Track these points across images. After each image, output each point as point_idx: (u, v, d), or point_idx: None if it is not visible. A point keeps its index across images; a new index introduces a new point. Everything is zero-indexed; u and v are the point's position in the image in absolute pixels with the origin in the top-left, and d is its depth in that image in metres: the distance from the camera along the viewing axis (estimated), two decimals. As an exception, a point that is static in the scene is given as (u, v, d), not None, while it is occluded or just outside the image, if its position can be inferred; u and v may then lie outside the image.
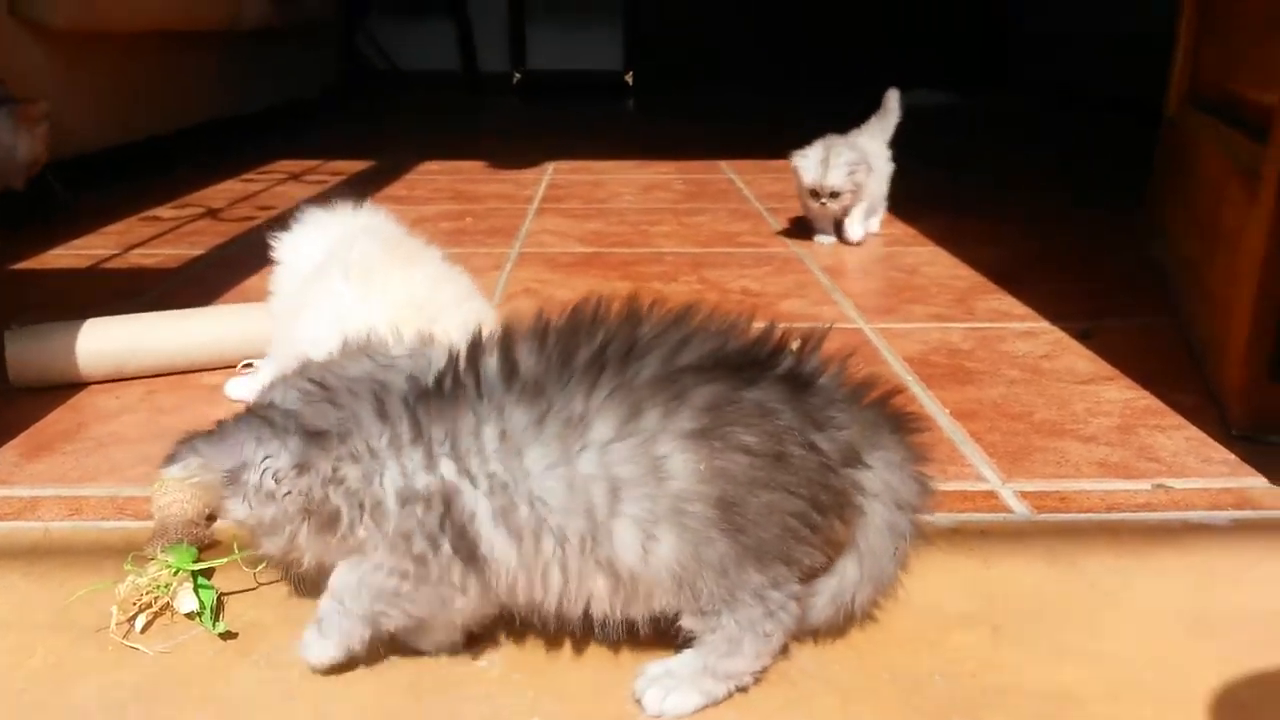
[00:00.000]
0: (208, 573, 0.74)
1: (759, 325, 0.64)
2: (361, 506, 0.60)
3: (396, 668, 0.67)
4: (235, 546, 0.76)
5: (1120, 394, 1.15)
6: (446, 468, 0.59)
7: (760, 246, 1.91)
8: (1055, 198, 2.47)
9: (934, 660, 0.67)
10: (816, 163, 1.81)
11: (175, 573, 0.72)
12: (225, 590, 0.75)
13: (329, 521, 0.60)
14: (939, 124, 4.55)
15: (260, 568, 0.76)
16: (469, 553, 0.59)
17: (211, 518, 0.85)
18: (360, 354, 0.64)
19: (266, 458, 0.60)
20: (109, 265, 1.75)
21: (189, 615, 0.71)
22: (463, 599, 0.61)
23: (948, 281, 1.65)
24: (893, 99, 2.04)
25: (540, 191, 2.53)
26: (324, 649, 0.64)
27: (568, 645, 0.68)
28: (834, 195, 1.81)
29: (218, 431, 0.61)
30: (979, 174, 2.92)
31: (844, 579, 0.66)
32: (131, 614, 0.71)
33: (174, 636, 0.70)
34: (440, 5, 5.90)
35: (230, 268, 1.70)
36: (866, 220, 1.95)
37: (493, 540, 0.59)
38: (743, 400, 0.58)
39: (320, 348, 0.68)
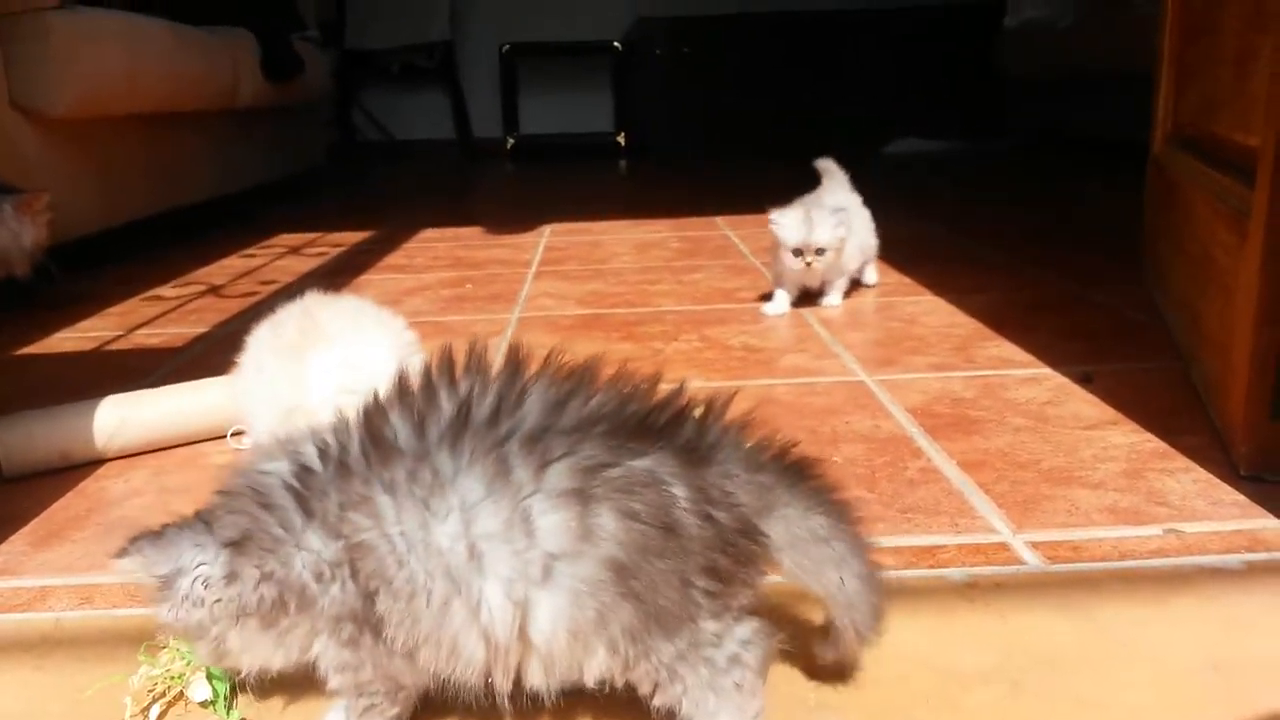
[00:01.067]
0: None
1: (663, 388, 0.63)
2: (295, 593, 0.60)
3: (414, 750, 0.66)
4: None
5: (1126, 438, 1.15)
6: (348, 530, 0.58)
7: (759, 302, 1.92)
8: (1049, 241, 2.49)
9: (955, 719, 0.66)
10: (799, 220, 1.75)
11: (188, 662, 0.72)
12: (239, 678, 0.74)
13: (272, 615, 0.61)
14: (930, 172, 4.61)
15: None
16: (375, 622, 0.59)
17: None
18: (275, 450, 0.64)
19: (200, 564, 0.61)
20: (114, 346, 1.76)
21: (203, 704, 0.71)
22: (410, 674, 0.62)
23: (946, 330, 1.66)
24: (826, 164, 2.07)
25: (538, 255, 2.56)
26: None
27: (585, 720, 0.67)
28: (819, 252, 1.75)
29: (162, 535, 0.62)
30: (971, 220, 2.95)
31: (834, 620, 0.66)
32: (146, 704, 0.71)
33: (189, 726, 0.69)
34: (433, 77, 6.01)
35: (235, 344, 1.71)
36: (862, 272, 1.96)
37: (388, 605, 0.58)
38: (631, 468, 0.57)
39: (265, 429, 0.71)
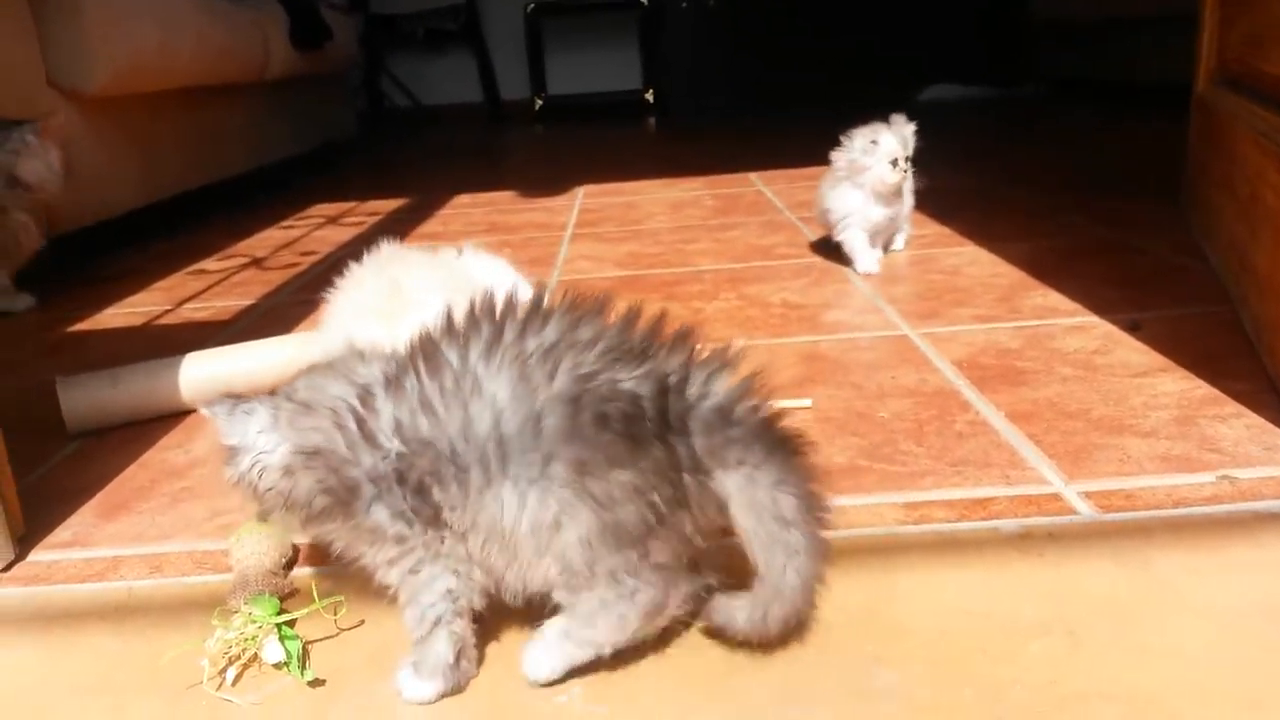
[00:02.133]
0: (291, 622, 0.76)
1: (664, 326, 0.67)
2: (344, 503, 0.66)
3: (480, 707, 0.68)
4: (315, 595, 0.78)
5: (1176, 385, 1.14)
6: (395, 444, 0.65)
7: (797, 258, 1.92)
8: (1088, 187, 2.45)
9: (1013, 670, 0.67)
10: (885, 130, 1.73)
11: (260, 625, 0.74)
12: (309, 638, 0.77)
13: (319, 517, 0.68)
14: (962, 119, 4.54)
15: (341, 614, 0.78)
16: (433, 516, 0.66)
17: (289, 565, 0.88)
18: (331, 369, 0.71)
19: (261, 452, 0.68)
20: (163, 321, 1.79)
21: (277, 665, 0.73)
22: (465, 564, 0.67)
23: (989, 281, 1.64)
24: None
25: (573, 217, 2.56)
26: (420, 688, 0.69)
27: (646, 671, 0.69)
28: (909, 160, 1.73)
29: (236, 408, 0.69)
30: (1008, 167, 2.90)
31: (755, 597, 0.67)
32: (222, 667, 0.73)
33: (263, 687, 0.72)
34: (458, 40, 5.98)
35: (281, 315, 1.74)
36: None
37: (441, 500, 0.65)
38: (614, 379, 0.62)
39: None
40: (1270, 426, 1.01)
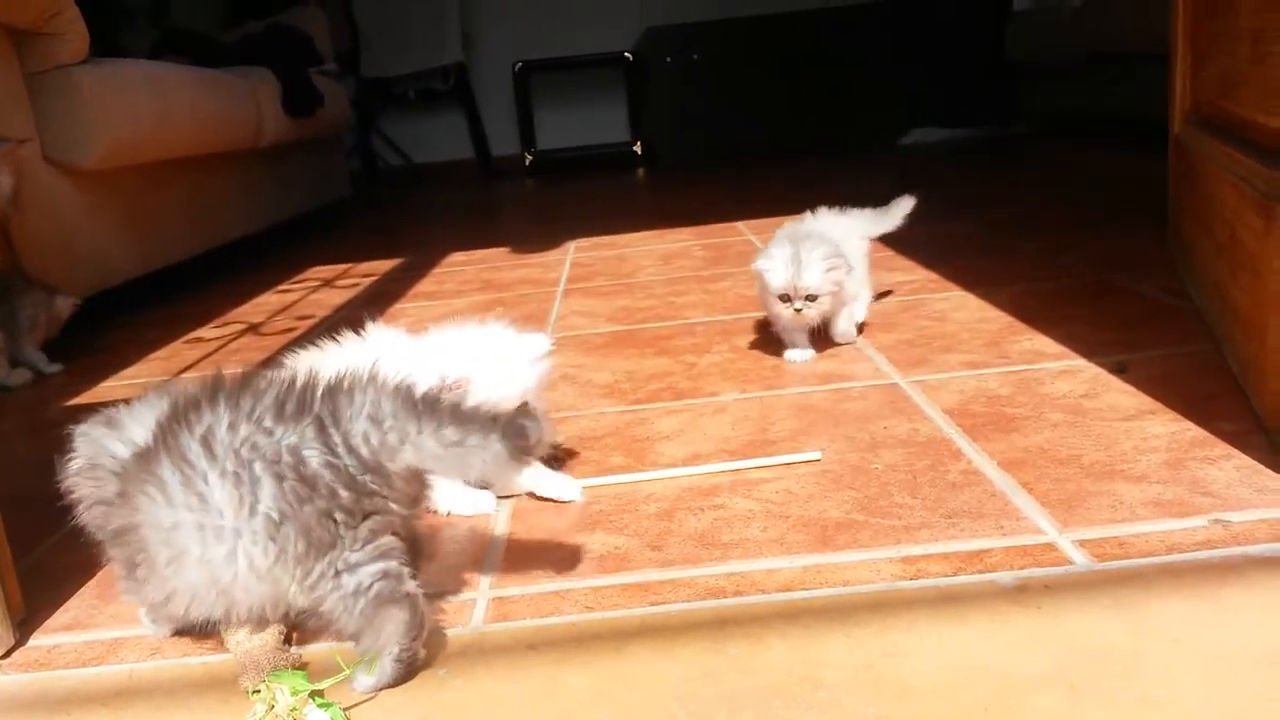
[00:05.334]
0: (319, 692, 0.78)
1: (308, 378, 0.82)
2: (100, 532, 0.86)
3: None
4: (342, 663, 0.79)
5: (1165, 427, 1.15)
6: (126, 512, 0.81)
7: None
8: (1073, 228, 2.48)
9: (1014, 727, 0.67)
10: (784, 261, 1.49)
11: (296, 693, 0.75)
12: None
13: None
14: (947, 162, 4.60)
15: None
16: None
17: (288, 640, 0.88)
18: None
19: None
20: (159, 393, 1.80)
21: (320, 732, 0.74)
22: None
23: (977, 326, 1.66)
24: (903, 206, 1.79)
25: (565, 272, 2.58)
26: None
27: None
28: (810, 299, 1.50)
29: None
30: (993, 210, 2.94)
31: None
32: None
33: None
34: (449, 99, 6.07)
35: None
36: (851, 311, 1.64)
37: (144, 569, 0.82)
38: (278, 443, 0.78)
39: None
40: (1260, 467, 1.02)
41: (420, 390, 0.82)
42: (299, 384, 0.82)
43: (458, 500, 1.13)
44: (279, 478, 0.77)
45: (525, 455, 0.79)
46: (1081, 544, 0.91)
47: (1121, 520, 0.94)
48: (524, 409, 0.79)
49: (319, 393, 0.81)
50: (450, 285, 2.58)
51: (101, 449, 0.85)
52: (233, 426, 0.79)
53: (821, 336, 1.61)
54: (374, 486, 0.79)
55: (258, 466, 0.77)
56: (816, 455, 1.17)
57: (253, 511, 0.77)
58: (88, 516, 0.87)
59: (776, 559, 0.94)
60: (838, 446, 1.20)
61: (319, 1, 4.84)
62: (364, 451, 0.79)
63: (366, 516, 0.79)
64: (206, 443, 0.78)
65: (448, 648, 0.85)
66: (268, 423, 0.79)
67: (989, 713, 0.69)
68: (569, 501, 1.12)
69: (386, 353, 1.11)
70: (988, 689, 0.71)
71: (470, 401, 0.83)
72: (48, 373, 2.01)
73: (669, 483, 1.15)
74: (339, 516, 0.78)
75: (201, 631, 0.88)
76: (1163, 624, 0.77)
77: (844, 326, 1.62)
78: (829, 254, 1.49)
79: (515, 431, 0.78)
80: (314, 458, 0.78)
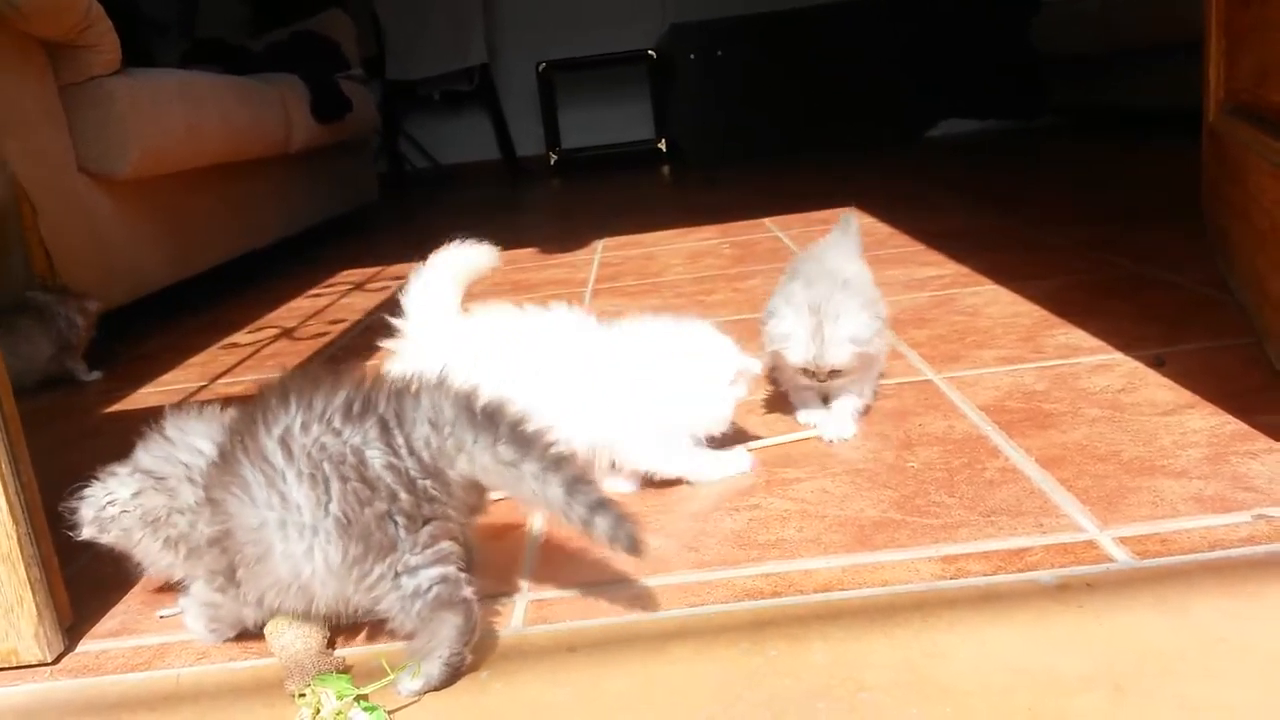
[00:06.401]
0: (365, 695, 0.79)
1: (380, 379, 0.85)
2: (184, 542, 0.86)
3: None
4: (387, 667, 0.81)
5: (1205, 421, 1.14)
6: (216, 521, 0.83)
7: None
8: (1105, 220, 2.46)
9: (1059, 727, 0.67)
10: (806, 334, 1.19)
11: (340, 696, 0.77)
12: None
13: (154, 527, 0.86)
14: (975, 155, 4.56)
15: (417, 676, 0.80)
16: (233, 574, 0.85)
17: (331, 644, 0.89)
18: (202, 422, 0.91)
19: (109, 491, 0.88)
20: (199, 397, 1.83)
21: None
22: (250, 611, 0.87)
23: (1011, 320, 1.65)
24: (847, 218, 1.51)
25: (594, 272, 2.59)
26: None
27: (693, 747, 0.69)
28: (835, 373, 1.22)
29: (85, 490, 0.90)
30: (1024, 203, 2.91)
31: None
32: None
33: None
34: (473, 100, 6.09)
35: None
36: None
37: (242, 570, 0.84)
38: (343, 444, 0.80)
39: None
40: (1304, 461, 1.01)
41: (483, 400, 0.82)
42: (367, 385, 0.83)
43: (706, 466, 1.14)
44: (344, 479, 0.79)
45: (567, 519, 0.80)
46: (1123, 541, 0.90)
47: (1163, 516, 0.93)
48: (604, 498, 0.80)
49: (385, 394, 0.83)
50: (478, 287, 2.58)
51: (164, 461, 0.88)
52: (305, 427, 0.81)
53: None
54: (434, 492, 0.81)
55: (326, 467, 0.79)
56: (813, 430, 1.23)
57: (326, 511, 0.79)
58: (160, 532, 0.87)
59: (814, 559, 0.94)
60: (872, 445, 1.20)
61: (344, 7, 4.87)
62: (425, 455, 0.81)
63: (426, 521, 0.81)
64: (284, 443, 0.81)
65: (489, 650, 0.85)
66: (336, 423, 0.81)
67: (1033, 713, 0.69)
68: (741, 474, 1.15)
69: (570, 333, 1.16)
70: (1031, 690, 0.71)
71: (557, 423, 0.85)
72: (88, 380, 2.04)
73: (705, 483, 1.15)
74: (400, 520, 0.79)
75: (249, 634, 0.91)
76: (1207, 622, 0.76)
77: (844, 422, 1.25)
78: (857, 329, 1.19)
79: (584, 500, 0.79)
80: (376, 459, 0.79)
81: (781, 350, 1.22)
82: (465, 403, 0.82)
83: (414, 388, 0.83)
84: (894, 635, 0.80)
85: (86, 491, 0.89)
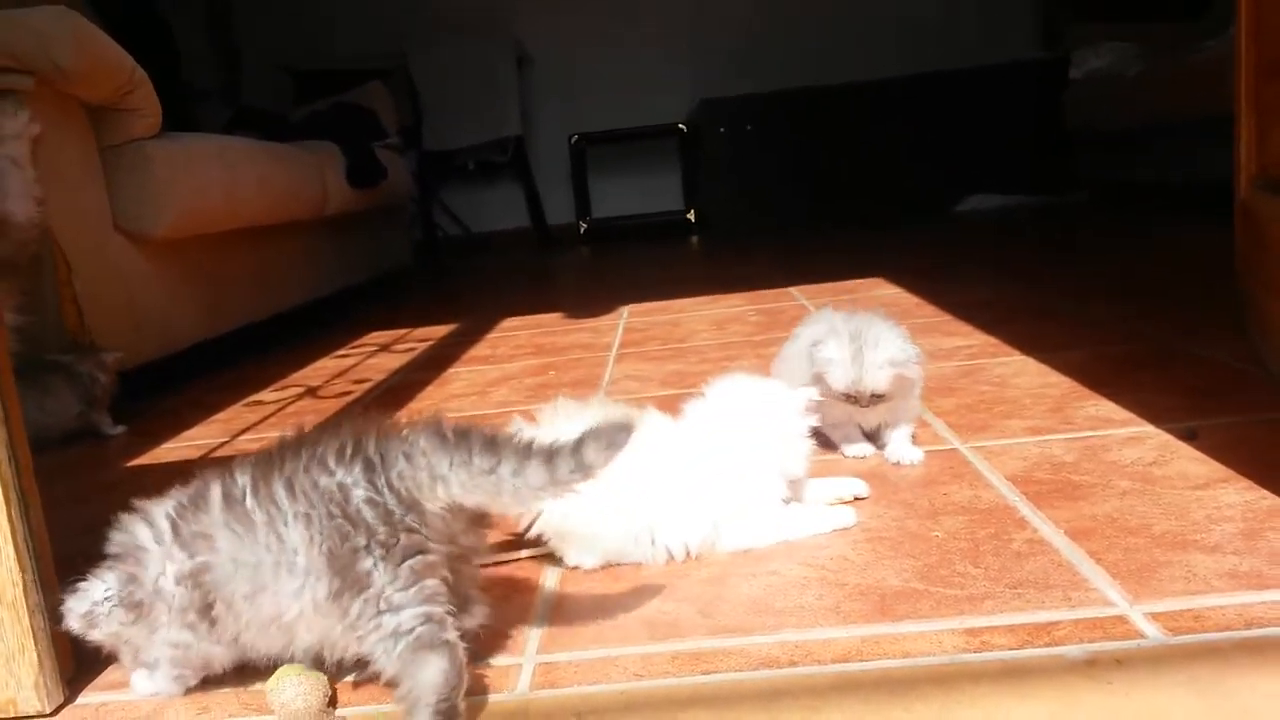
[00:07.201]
0: None
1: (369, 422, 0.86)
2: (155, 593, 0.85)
3: None
4: None
5: (1239, 496, 1.10)
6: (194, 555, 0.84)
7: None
8: (1136, 294, 2.43)
9: (1087, 811, 0.63)
10: (848, 359, 1.30)
11: None
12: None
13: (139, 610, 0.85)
14: (1005, 228, 4.56)
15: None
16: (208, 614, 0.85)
17: (333, 703, 0.87)
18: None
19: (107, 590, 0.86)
20: (220, 453, 1.83)
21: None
22: (220, 650, 0.87)
23: (1039, 391, 1.62)
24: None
25: (618, 336, 2.59)
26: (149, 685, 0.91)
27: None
28: (876, 398, 1.32)
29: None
30: (1053, 276, 2.90)
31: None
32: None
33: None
34: (506, 171, 6.20)
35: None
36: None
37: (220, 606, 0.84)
38: (330, 483, 0.82)
39: None
40: (1345, 538, 0.97)
41: (452, 425, 0.84)
42: (365, 430, 0.85)
43: (808, 523, 1.14)
44: (330, 515, 0.81)
45: (565, 487, 0.81)
46: (1154, 617, 0.86)
47: (1196, 592, 0.90)
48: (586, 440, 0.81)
49: (375, 437, 0.85)
50: (504, 349, 2.60)
51: (125, 533, 0.89)
52: (306, 469, 0.83)
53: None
54: (411, 524, 0.81)
55: (318, 504, 0.82)
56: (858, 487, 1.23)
57: (318, 549, 0.81)
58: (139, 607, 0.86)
59: (832, 628, 0.91)
60: (895, 513, 1.17)
61: (384, 79, 5.00)
62: (401, 490, 0.82)
63: (407, 556, 0.80)
64: (290, 485, 0.83)
65: (493, 713, 0.83)
66: (330, 464, 0.83)
67: (1059, 795, 0.65)
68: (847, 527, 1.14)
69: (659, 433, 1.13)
70: (1058, 769, 0.67)
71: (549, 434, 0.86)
72: (112, 434, 2.05)
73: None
74: (377, 553, 0.80)
75: (207, 683, 0.92)
76: (1242, 703, 0.73)
77: (901, 447, 1.36)
78: (893, 353, 1.30)
79: (566, 456, 0.80)
80: (359, 495, 0.81)
81: (824, 375, 1.32)
82: (436, 429, 0.84)
83: (404, 430, 0.85)
84: (914, 710, 0.77)
85: (80, 584, 0.87)
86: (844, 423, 1.40)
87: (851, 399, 1.33)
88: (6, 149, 1.93)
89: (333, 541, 0.80)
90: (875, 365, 1.29)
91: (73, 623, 0.86)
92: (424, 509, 0.82)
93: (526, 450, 0.81)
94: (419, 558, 0.81)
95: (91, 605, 0.85)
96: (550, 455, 0.81)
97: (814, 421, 1.16)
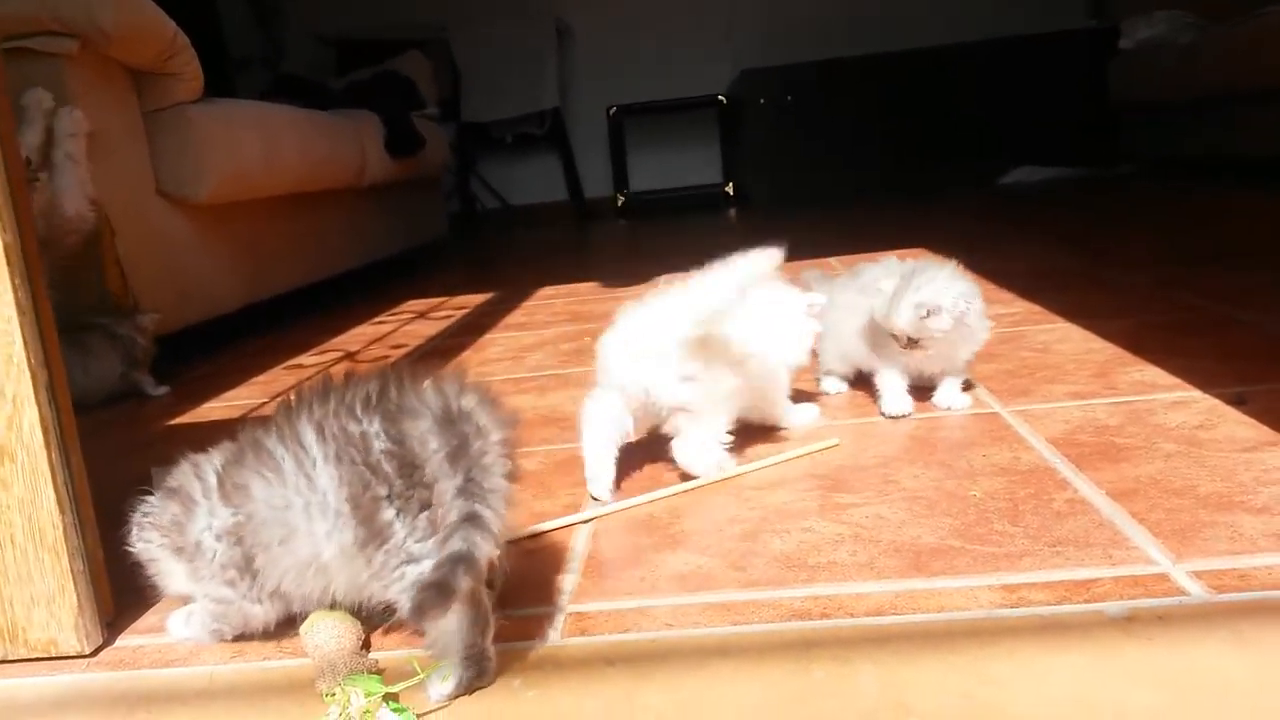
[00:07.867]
0: (395, 695, 0.77)
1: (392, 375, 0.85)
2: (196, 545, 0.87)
3: None
4: (418, 667, 0.79)
5: (1291, 459, 1.07)
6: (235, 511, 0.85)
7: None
8: (1185, 263, 2.38)
9: (1124, 762, 0.62)
10: (889, 295, 1.33)
11: (371, 698, 0.75)
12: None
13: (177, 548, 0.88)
14: (1050, 200, 4.48)
15: (447, 679, 0.78)
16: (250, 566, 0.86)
17: (366, 646, 0.87)
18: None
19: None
20: (260, 413, 1.85)
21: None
22: (260, 610, 0.88)
23: (1083, 357, 1.59)
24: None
25: (655, 306, 2.57)
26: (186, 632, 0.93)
27: (728, 764, 0.66)
28: (913, 342, 1.33)
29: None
30: (1099, 246, 2.84)
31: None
32: (346, 741, 0.74)
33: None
34: (544, 143, 6.19)
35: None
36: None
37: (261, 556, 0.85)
38: (354, 429, 0.81)
39: None
40: (1400, 501, 0.94)
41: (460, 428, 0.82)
42: (390, 379, 0.85)
43: (793, 415, 1.35)
44: (353, 461, 0.81)
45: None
46: (1197, 575, 0.84)
47: (1241, 552, 0.87)
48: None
49: (396, 387, 0.85)
50: (540, 317, 2.60)
51: (182, 475, 0.91)
52: (335, 414, 0.83)
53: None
54: (427, 478, 0.81)
55: (346, 449, 0.82)
56: (834, 441, 1.28)
57: (343, 493, 0.81)
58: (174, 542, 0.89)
59: (866, 583, 0.90)
60: (933, 474, 1.15)
61: (423, 49, 5.00)
62: (415, 448, 0.82)
63: (424, 507, 0.80)
64: (320, 429, 0.83)
65: (524, 660, 0.83)
66: (358, 411, 0.83)
67: (1097, 746, 0.64)
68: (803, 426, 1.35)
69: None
70: (1095, 721, 0.66)
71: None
72: (155, 394, 2.08)
73: (754, 503, 1.11)
74: (396, 504, 0.80)
75: (255, 638, 0.91)
76: (1292, 661, 0.71)
77: (949, 394, 1.40)
78: (939, 286, 1.30)
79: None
80: (379, 445, 0.81)
81: (876, 310, 1.36)
82: (468, 392, 0.84)
83: (426, 382, 0.85)
84: (948, 662, 0.75)
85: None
86: (898, 369, 1.40)
87: (898, 340, 1.35)
88: (65, 147, 1.96)
89: (355, 489, 0.80)
90: (908, 305, 1.30)
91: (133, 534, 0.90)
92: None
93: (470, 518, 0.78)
94: (436, 509, 0.81)
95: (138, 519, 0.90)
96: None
97: (816, 326, 1.30)
